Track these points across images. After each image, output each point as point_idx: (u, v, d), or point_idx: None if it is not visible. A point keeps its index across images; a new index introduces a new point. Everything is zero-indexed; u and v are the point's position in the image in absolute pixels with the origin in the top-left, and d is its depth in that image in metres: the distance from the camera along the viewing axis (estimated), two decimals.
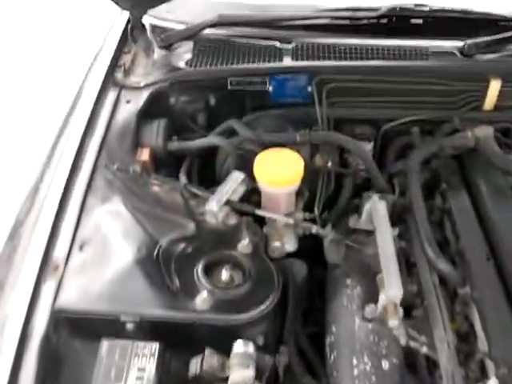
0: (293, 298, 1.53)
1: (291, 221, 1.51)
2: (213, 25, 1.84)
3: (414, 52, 1.76)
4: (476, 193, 1.57)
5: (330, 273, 1.56)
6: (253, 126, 1.70)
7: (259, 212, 1.50)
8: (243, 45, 1.83)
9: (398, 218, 1.61)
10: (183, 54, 1.86)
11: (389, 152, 1.80)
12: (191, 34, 1.86)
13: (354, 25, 1.83)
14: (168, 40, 1.89)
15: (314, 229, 1.52)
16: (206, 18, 1.87)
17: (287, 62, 1.76)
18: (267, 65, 1.75)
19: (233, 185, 1.52)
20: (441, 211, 1.61)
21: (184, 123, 1.81)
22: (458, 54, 1.77)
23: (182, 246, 1.41)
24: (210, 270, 1.36)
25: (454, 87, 1.75)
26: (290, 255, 1.58)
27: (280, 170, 1.51)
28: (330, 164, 1.65)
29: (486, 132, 1.62)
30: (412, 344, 1.34)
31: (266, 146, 1.60)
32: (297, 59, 1.76)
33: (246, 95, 1.79)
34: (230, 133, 1.71)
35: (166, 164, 1.71)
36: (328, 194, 1.66)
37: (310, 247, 1.59)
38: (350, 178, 1.69)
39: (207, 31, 1.87)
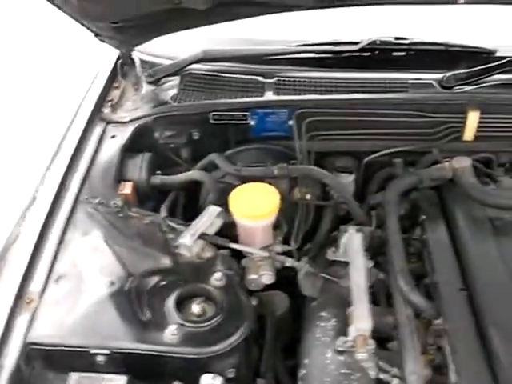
0: (271, 331, 1.58)
1: (265, 254, 1.56)
2: (198, 60, 1.92)
3: (394, 84, 1.82)
4: (454, 224, 1.60)
5: (307, 305, 1.60)
6: (234, 160, 1.78)
7: (233, 245, 1.55)
8: (227, 79, 1.91)
9: (377, 250, 1.65)
10: (170, 89, 1.96)
11: (371, 184, 1.85)
12: (177, 69, 1.94)
13: (336, 58, 1.90)
14: (155, 75, 1.98)
15: (289, 262, 1.57)
16: (191, 54, 1.95)
17: (269, 96, 1.84)
18: (249, 99, 1.82)
19: (208, 218, 1.58)
20: (420, 243, 1.65)
21: (168, 157, 1.88)
22: (437, 85, 1.82)
23: (156, 278, 1.46)
24: (183, 303, 1.42)
25: (434, 119, 1.80)
26: (274, 287, 1.63)
27: (255, 204, 1.56)
28: (308, 197, 1.70)
29: (463, 163, 1.67)
30: (382, 376, 1.37)
31: (245, 179, 1.67)
32: (278, 93, 1.84)
33: (229, 129, 1.86)
34: (214, 167, 1.79)
35: (151, 198, 1.78)
36: (307, 227, 1.71)
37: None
38: (329, 211, 1.74)
39: (193, 66, 1.95)
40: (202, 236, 1.53)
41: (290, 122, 1.81)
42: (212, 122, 1.83)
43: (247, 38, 2.09)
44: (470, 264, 1.46)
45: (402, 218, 1.70)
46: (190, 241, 1.51)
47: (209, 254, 1.54)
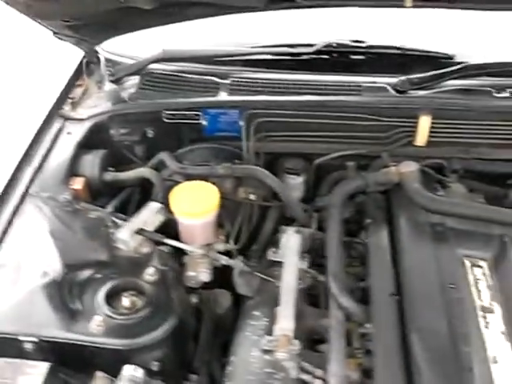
0: (207, 327, 1.63)
1: (200, 251, 1.61)
2: (157, 60, 1.99)
3: (348, 87, 1.87)
4: (395, 229, 1.63)
5: (243, 304, 1.65)
6: (184, 159, 1.84)
7: (168, 242, 1.60)
8: (184, 79, 1.97)
9: (321, 252, 1.69)
10: (129, 88, 2.02)
11: (322, 186, 1.89)
12: (137, 68, 2.01)
13: (292, 60, 1.95)
14: (117, 74, 2.05)
15: (224, 260, 1.62)
16: (153, 53, 2.02)
17: (222, 96, 1.90)
18: (200, 99, 1.88)
19: (148, 214, 1.64)
20: (363, 246, 1.68)
21: (124, 155, 1.95)
22: (390, 89, 1.86)
23: (91, 271, 1.53)
24: (114, 296, 1.47)
25: (386, 123, 1.84)
26: (222, 285, 1.70)
27: (194, 202, 1.62)
28: (252, 197, 1.75)
29: (409, 168, 1.70)
30: (305, 377, 1.40)
31: (191, 178, 1.73)
32: (232, 94, 1.89)
33: (182, 128, 1.92)
34: (164, 165, 1.85)
35: (104, 194, 1.85)
36: (251, 227, 1.76)
37: None
38: (273, 212, 1.78)
39: (154, 66, 2.02)
40: (140, 231, 1.59)
41: (240, 123, 1.86)
42: (165, 120, 1.89)
43: (209, 40, 2.15)
44: (404, 269, 1.48)
45: (348, 222, 1.75)
46: (127, 235, 1.56)
47: (146, 249, 1.60)
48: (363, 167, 1.88)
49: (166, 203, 1.66)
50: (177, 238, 1.67)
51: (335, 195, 1.70)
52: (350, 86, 1.87)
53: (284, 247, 1.63)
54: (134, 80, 2.05)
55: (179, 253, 1.66)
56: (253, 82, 1.91)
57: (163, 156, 1.83)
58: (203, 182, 1.68)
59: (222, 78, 1.95)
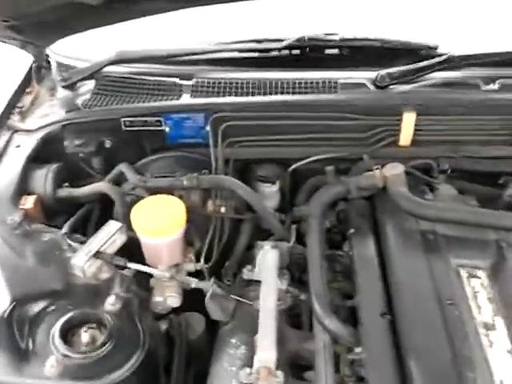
0: (179, 357, 1.50)
1: (166, 274, 1.47)
2: (113, 62, 1.84)
3: (322, 84, 1.74)
4: (383, 239, 1.51)
5: (219, 329, 1.51)
6: (147, 170, 1.70)
7: (131, 265, 1.46)
8: (143, 82, 1.83)
9: (302, 267, 1.57)
10: (84, 94, 1.87)
11: (299, 194, 1.76)
12: (91, 72, 1.86)
13: (261, 58, 1.82)
14: (70, 79, 1.90)
15: (194, 283, 1.48)
16: (107, 55, 1.88)
17: (185, 99, 1.76)
18: (161, 103, 1.74)
19: (107, 235, 1.49)
20: (348, 259, 1.56)
21: (79, 168, 1.80)
22: (369, 85, 1.74)
23: (44, 303, 1.38)
24: (71, 331, 1.33)
25: (366, 121, 1.72)
26: (193, 307, 1.56)
27: (158, 219, 1.48)
28: (223, 210, 1.62)
29: (394, 170, 1.58)
30: None
31: (154, 192, 1.59)
32: (195, 96, 1.76)
33: (143, 137, 1.78)
34: (126, 178, 1.71)
35: (60, 212, 1.70)
36: (223, 243, 1.63)
37: None
38: (247, 225, 1.65)
39: (109, 69, 1.87)
40: (99, 255, 1.45)
41: (207, 128, 1.73)
42: (124, 128, 1.75)
43: (172, 37, 2.01)
44: (395, 284, 1.36)
45: (329, 232, 1.63)
46: (84, 260, 1.42)
47: (106, 274, 1.46)
48: (343, 171, 1.76)
49: (127, 221, 1.52)
50: (141, 259, 1.53)
51: (314, 204, 1.58)
52: (325, 83, 1.75)
53: (260, 265, 1.51)
54: (89, 85, 1.90)
55: (144, 276, 1.52)
56: (218, 82, 1.77)
57: (123, 168, 1.69)
58: (168, 196, 1.55)
59: (184, 80, 1.81)
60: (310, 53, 1.83)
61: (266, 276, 1.45)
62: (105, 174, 1.78)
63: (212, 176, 1.62)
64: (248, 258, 1.63)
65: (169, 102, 1.74)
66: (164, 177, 1.65)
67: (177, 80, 1.81)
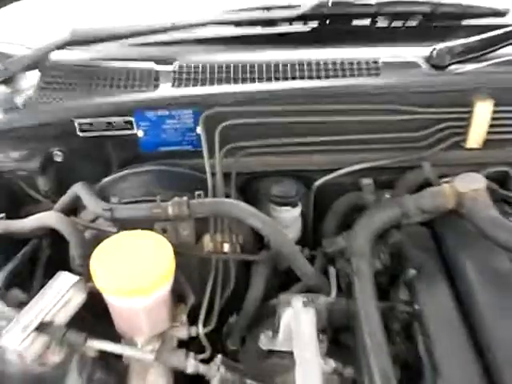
0: None
1: (149, 354, 0.93)
2: (64, 45, 1.30)
3: (357, 65, 1.22)
4: (462, 286, 1.01)
5: None
6: (111, 193, 1.17)
7: (95, 344, 0.92)
8: (106, 70, 1.30)
9: (342, 323, 1.05)
10: (25, 90, 1.33)
11: (328, 219, 1.24)
12: (35, 60, 1.32)
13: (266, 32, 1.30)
14: (6, 71, 1.35)
15: (191, 367, 0.95)
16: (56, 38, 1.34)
17: (164, 90, 1.22)
18: (133, 97, 1.21)
19: (56, 296, 0.96)
20: (408, 313, 1.05)
21: (19, 191, 1.27)
22: (423, 65, 1.22)
23: None
24: None
25: (420, 115, 1.20)
26: None
27: (132, 272, 0.94)
28: (226, 248, 1.09)
29: (473, 184, 1.06)
30: None
31: (126, 224, 1.06)
32: (179, 86, 1.22)
33: (107, 144, 1.25)
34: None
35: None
36: (227, 294, 1.10)
37: None
38: (263, 268, 1.12)
39: (59, 56, 1.34)
40: (43, 328, 0.91)
41: (198, 130, 1.20)
42: (80, 134, 1.21)
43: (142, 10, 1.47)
44: (493, 354, 0.89)
45: (377, 274, 1.11)
46: (18, 339, 0.89)
47: (56, 357, 0.93)
48: (385, 185, 1.24)
49: (87, 269, 0.98)
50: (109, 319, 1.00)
51: (359, 236, 1.06)
52: (360, 63, 1.23)
53: (288, 331, 0.98)
54: (33, 78, 1.35)
55: (115, 355, 0.99)
56: (210, 66, 1.24)
57: (79, 190, 1.16)
58: (146, 232, 1.01)
59: (162, 64, 1.28)
60: (333, 24, 1.30)
61: (301, 348, 0.92)
62: (54, 198, 1.25)
63: (209, 200, 1.09)
64: (263, 315, 1.10)
65: (142, 95, 1.21)
66: (139, 202, 1.11)
67: (152, 65, 1.27)
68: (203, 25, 1.28)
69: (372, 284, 1.01)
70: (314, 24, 1.33)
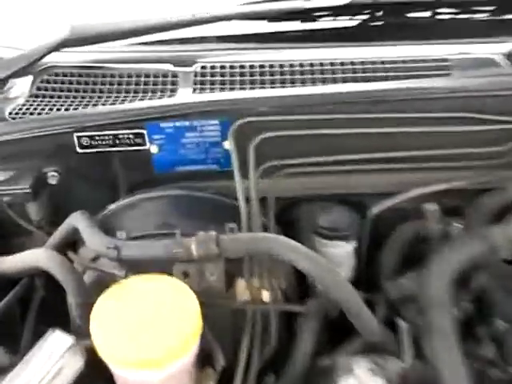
0: None
1: None
2: (61, 45, 1.07)
3: (424, 65, 0.98)
4: None
5: None
6: (117, 224, 0.92)
7: None
8: (112, 73, 1.06)
9: None
10: (15, 98, 1.10)
11: (385, 254, 0.99)
12: (28, 62, 1.08)
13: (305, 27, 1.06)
14: None
15: None
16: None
17: (184, 96, 0.98)
18: (145, 104, 0.97)
19: (46, 363, 0.72)
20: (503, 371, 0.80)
21: (6, 220, 1.02)
22: (504, 62, 0.98)
23: None
24: None
25: (503, 125, 0.95)
26: None
27: (143, 335, 0.69)
28: (265, 296, 0.84)
29: None
30: None
31: (135, 267, 0.81)
32: (202, 91, 0.98)
33: (114, 163, 1.00)
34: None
35: None
36: (269, 353, 0.85)
37: None
38: (311, 322, 0.87)
39: (56, 57, 1.10)
40: None
41: (226, 145, 0.95)
42: (79, 150, 0.97)
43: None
44: None
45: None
46: None
47: None
48: (454, 212, 0.99)
49: (86, 324, 0.74)
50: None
51: (435, 280, 0.82)
52: (426, 61, 0.98)
53: None
54: (24, 84, 1.12)
55: None
56: (240, 66, 1.00)
57: (77, 221, 0.91)
58: (162, 277, 0.77)
59: (180, 66, 1.04)
60: (385, 17, 1.06)
61: None
62: (49, 229, 1.00)
63: (245, 235, 0.83)
64: (312, 379, 0.85)
65: (156, 102, 0.97)
66: (153, 237, 0.86)
67: (168, 67, 1.04)
68: (231, 18, 1.04)
69: (457, 344, 0.76)
70: (362, 16, 1.09)
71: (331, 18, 1.10)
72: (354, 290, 0.82)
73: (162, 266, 0.81)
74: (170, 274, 0.81)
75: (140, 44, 1.12)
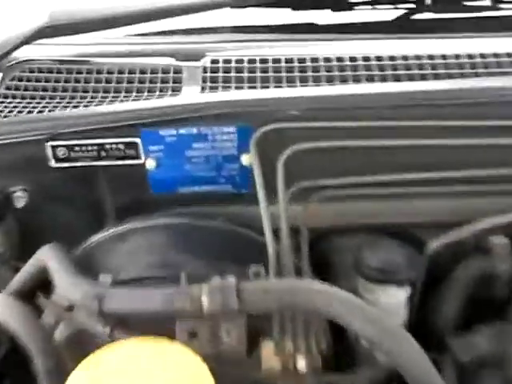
0: None
1: None
2: (39, 35, 0.85)
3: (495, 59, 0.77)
4: None
5: None
6: (101, 264, 0.69)
7: None
8: (99, 70, 0.84)
9: None
10: None
11: (447, 300, 0.76)
12: None
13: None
14: None
15: None
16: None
17: (190, 96, 0.76)
18: (140, 105, 0.74)
19: None
20: None
21: None
22: None
23: None
24: None
25: None
26: None
27: None
28: (301, 365, 0.61)
29: None
30: None
31: (131, 327, 0.59)
32: (212, 90, 0.76)
33: (98, 182, 0.78)
34: None
35: None
36: None
37: None
38: None
39: (31, 51, 0.89)
40: None
41: (244, 160, 0.73)
42: (53, 164, 0.75)
43: None
44: None
45: None
46: None
47: None
48: None
49: None
50: None
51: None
52: (499, 56, 0.77)
53: None
54: None
55: None
56: (261, 60, 0.78)
57: (46, 257, 0.67)
58: (161, 341, 0.54)
59: (184, 60, 0.82)
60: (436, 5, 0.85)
61: None
62: (15, 264, 0.77)
63: (276, 284, 0.60)
64: None
65: (154, 103, 0.74)
66: (147, 281, 0.63)
67: (171, 61, 0.82)
68: (245, 5, 0.83)
69: None
70: (408, 5, 0.88)
71: (370, 6, 0.89)
72: (426, 356, 0.59)
73: (161, 324, 0.59)
74: (172, 334, 0.58)
75: (135, 36, 0.91)
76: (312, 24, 0.87)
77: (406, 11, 0.88)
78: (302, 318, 0.62)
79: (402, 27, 0.85)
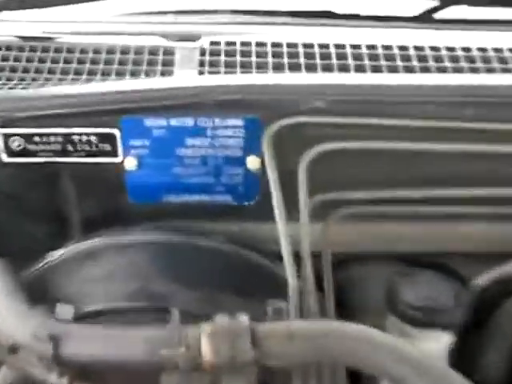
0: None
1: None
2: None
3: None
4: None
5: None
6: (61, 291, 0.52)
7: None
8: (70, 48, 0.68)
9: None
10: None
11: (493, 345, 0.61)
12: None
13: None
14: None
15: None
16: None
17: (184, 79, 0.60)
18: (123, 85, 0.58)
19: None
20: None
21: None
22: None
23: None
24: None
25: None
26: None
27: None
28: None
29: None
30: None
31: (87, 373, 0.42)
32: (213, 72, 0.61)
33: (63, 184, 0.61)
34: None
35: None
36: None
37: None
38: None
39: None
40: None
41: (250, 162, 0.57)
42: (6, 159, 0.58)
43: None
44: None
45: None
46: None
47: None
48: None
49: None
50: None
51: None
52: None
53: None
54: None
55: None
56: (273, 44, 0.64)
57: None
58: None
59: (174, 40, 0.67)
60: None
61: None
62: None
63: (302, 324, 0.44)
64: None
65: (140, 84, 0.58)
66: (120, 313, 0.46)
67: (161, 41, 0.66)
68: None
69: None
70: None
71: None
72: None
73: (140, 377, 0.42)
74: None
75: (122, 15, 0.75)
76: (329, 12, 0.73)
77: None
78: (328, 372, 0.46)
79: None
